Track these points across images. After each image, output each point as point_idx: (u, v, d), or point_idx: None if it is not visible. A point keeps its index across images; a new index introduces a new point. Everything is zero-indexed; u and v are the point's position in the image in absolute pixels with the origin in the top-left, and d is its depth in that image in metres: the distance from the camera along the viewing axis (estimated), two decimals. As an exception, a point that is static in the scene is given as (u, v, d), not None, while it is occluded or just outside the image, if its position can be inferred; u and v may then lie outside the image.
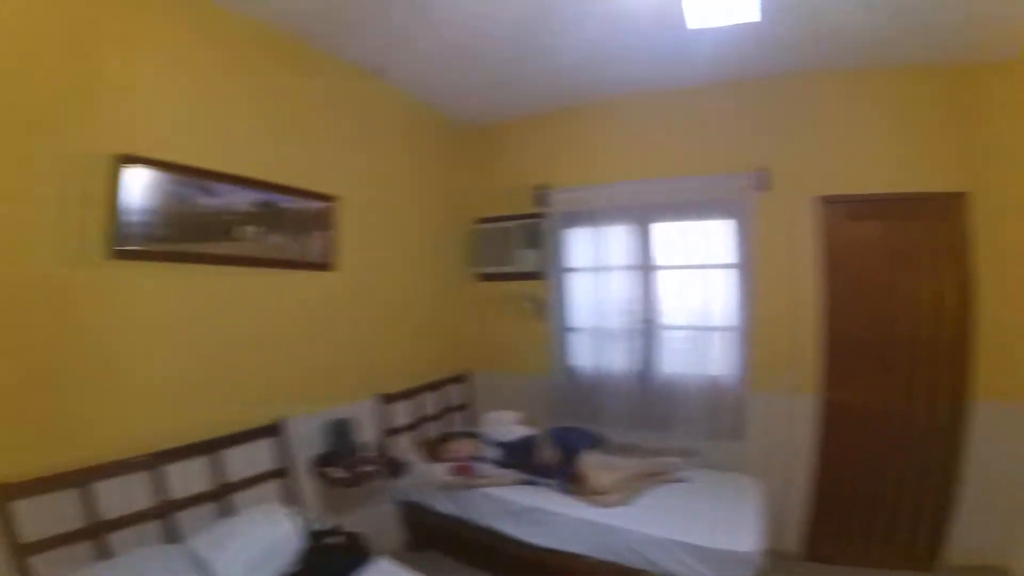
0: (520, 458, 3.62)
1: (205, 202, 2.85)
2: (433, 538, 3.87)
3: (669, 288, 4.19)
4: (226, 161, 2.94)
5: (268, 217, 3.18)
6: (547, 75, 3.93)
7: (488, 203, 5.00)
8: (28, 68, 2.19)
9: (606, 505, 3.12)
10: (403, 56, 3.61)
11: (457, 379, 4.79)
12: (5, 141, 2.12)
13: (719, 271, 3.98)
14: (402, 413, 4.05)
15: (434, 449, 3.86)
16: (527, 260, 4.76)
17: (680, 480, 3.46)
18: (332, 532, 2.71)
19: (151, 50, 2.63)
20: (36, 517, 2.09)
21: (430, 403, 4.38)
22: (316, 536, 2.65)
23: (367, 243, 3.86)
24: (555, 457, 3.56)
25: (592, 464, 3.39)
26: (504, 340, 4.91)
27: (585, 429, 4.02)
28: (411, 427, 4.11)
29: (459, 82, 4.08)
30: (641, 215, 4.26)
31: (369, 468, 3.30)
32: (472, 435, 4.02)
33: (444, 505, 3.61)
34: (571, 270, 4.57)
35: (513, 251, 4.84)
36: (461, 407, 4.78)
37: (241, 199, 3.03)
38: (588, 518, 3.05)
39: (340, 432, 3.41)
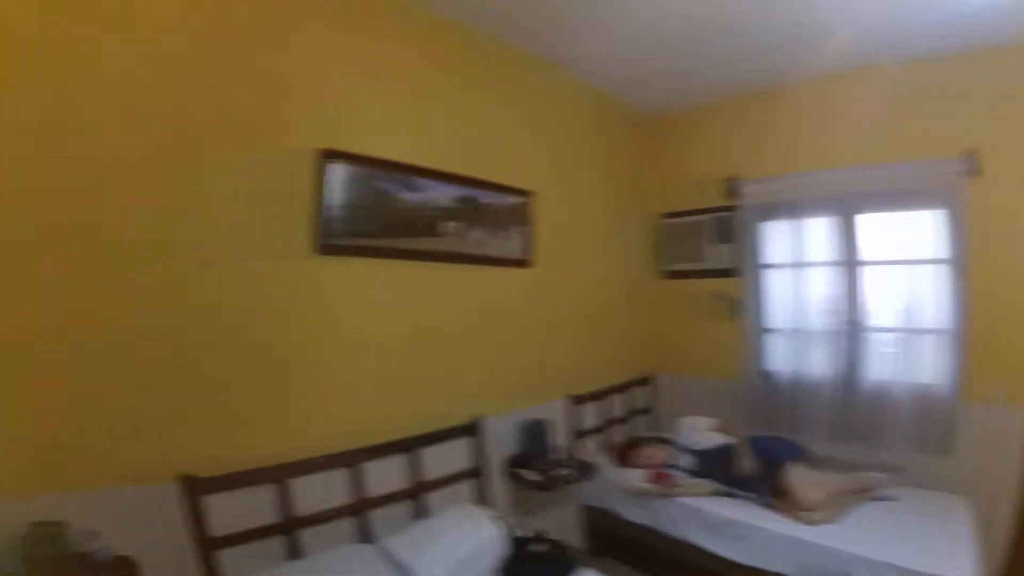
0: (716, 467, 3.43)
1: (408, 197, 2.87)
2: (614, 546, 3.79)
3: (875, 286, 3.77)
4: (426, 156, 2.95)
5: (468, 213, 3.18)
6: (743, 56, 3.65)
7: (674, 197, 4.80)
8: (235, 67, 2.27)
9: (812, 522, 2.87)
10: (589, 45, 3.52)
11: (642, 381, 4.65)
12: (213, 138, 2.20)
13: (929, 267, 3.52)
14: (590, 415, 3.98)
15: (625, 454, 3.77)
16: (719, 256, 4.51)
17: (885, 498, 3.12)
18: (535, 539, 2.66)
19: (352, 48, 2.69)
20: (227, 511, 2.11)
21: (617, 405, 4.29)
22: (519, 543, 2.61)
23: (559, 239, 3.83)
24: (755, 468, 3.34)
25: (800, 477, 3.14)
26: (691, 341, 4.69)
27: (788, 439, 3.74)
28: (598, 430, 4.04)
29: (645, 69, 3.92)
30: (844, 206, 3.85)
31: (563, 471, 3.27)
32: (664, 441, 3.86)
33: (633, 512, 3.53)
34: (768, 266, 4.24)
35: (703, 247, 4.61)
36: (644, 410, 4.64)
37: (442, 194, 3.03)
38: (796, 535, 2.83)
39: (534, 433, 3.42)
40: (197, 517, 2.03)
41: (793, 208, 4.07)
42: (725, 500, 3.24)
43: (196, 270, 2.17)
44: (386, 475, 2.67)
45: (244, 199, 2.29)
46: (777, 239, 4.21)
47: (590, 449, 3.91)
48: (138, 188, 2.02)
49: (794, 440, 3.74)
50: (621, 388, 4.35)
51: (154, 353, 2.06)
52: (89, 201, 1.92)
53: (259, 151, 2.35)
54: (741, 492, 3.24)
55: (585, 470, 3.43)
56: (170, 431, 2.08)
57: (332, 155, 2.54)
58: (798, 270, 4.05)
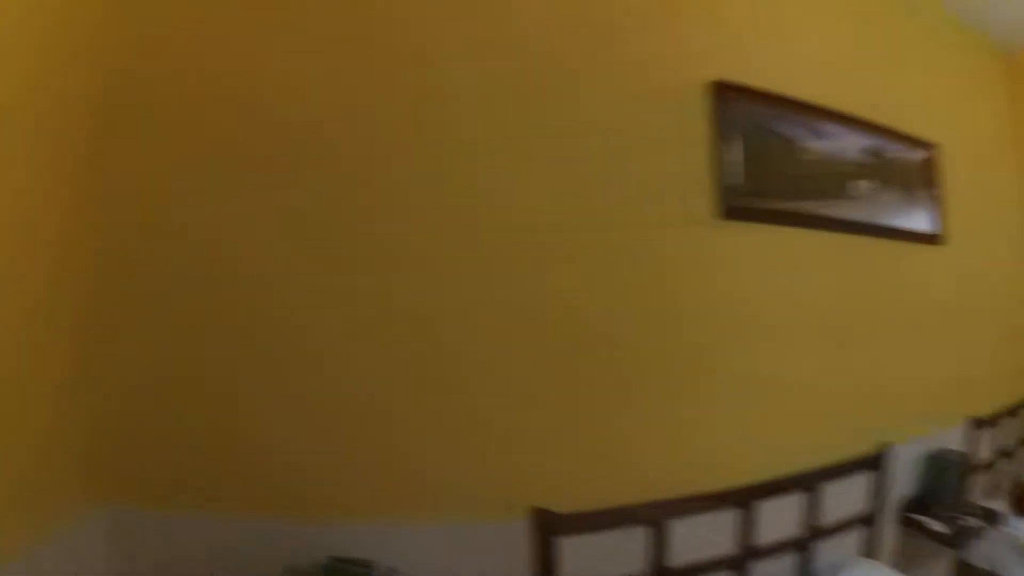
0: None
1: (815, 147, 2.38)
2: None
3: None
4: (828, 93, 2.44)
5: (878, 169, 2.64)
6: None
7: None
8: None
9: None
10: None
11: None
12: (584, 79, 1.93)
13: None
14: (984, 446, 3.14)
15: (1024, 499, 3.00)
16: None
17: None
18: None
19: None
20: (578, 556, 1.69)
21: (1009, 433, 3.37)
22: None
23: (963, 210, 3.10)
24: None
25: None
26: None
27: None
28: (987, 465, 3.18)
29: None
30: None
31: (971, 522, 2.60)
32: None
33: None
34: None
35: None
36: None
37: (849, 144, 2.52)
38: None
39: (939, 468, 2.74)
40: (547, 562, 1.67)
41: None
42: None
43: (571, 242, 1.91)
44: (774, 519, 2.09)
45: (629, 151, 1.99)
46: None
47: (979, 489, 3.11)
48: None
49: None
50: (1012, 411, 3.38)
51: (514, 366, 1.81)
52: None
53: (641, 90, 2.03)
54: None
55: (992, 519, 2.71)
56: (515, 456, 1.81)
57: (728, 89, 2.15)
58: None
